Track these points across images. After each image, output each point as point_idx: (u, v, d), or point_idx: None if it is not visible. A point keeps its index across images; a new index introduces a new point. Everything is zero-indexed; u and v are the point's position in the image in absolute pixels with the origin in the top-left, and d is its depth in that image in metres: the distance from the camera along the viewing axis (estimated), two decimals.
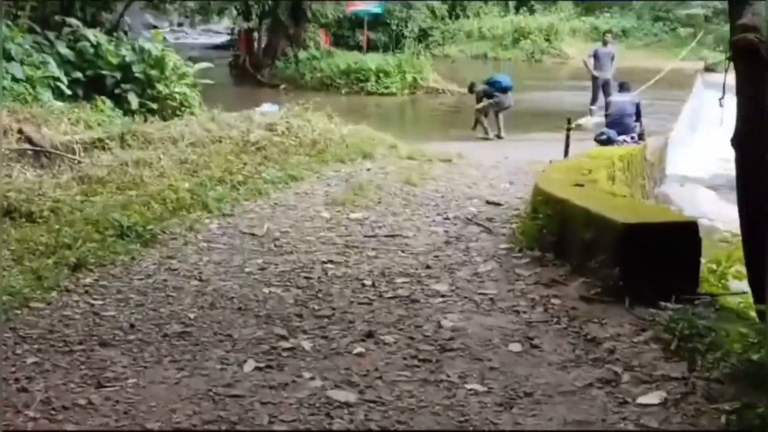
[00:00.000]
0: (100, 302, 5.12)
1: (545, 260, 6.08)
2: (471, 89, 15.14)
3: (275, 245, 6.69)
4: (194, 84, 15.00)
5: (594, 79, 17.48)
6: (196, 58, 29.15)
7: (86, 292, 5.32)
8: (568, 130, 10.29)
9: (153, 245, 6.53)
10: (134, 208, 7.33)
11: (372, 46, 23.78)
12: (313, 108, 12.55)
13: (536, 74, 25.52)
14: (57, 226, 6.58)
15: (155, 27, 37.55)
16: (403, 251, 6.61)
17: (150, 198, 7.79)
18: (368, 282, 5.70)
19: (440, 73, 22.01)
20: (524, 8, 32.65)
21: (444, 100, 19.96)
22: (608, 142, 10.47)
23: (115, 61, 13.88)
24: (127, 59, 14.06)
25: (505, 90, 14.63)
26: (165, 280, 5.63)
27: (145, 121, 12.08)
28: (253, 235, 7.02)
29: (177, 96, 14.26)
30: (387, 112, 18.76)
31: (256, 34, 24.23)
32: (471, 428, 3.60)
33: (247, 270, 5.95)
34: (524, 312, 5.06)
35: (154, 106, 13.84)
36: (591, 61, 17.61)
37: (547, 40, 28.77)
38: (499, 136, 14.45)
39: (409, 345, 4.51)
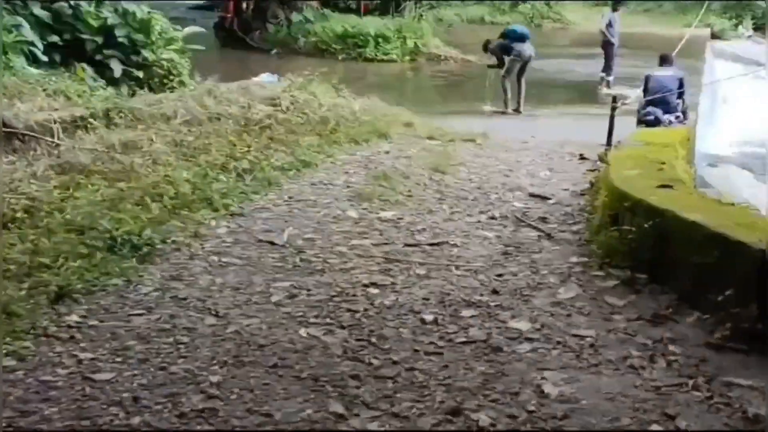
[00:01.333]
0: (91, 355, 3.87)
1: (637, 284, 4.89)
2: (486, 47, 13.80)
3: (301, 259, 5.44)
4: (183, 50, 13.55)
5: (609, 46, 16.23)
6: (178, 18, 27.70)
7: (72, 337, 4.05)
8: (614, 110, 9.05)
9: (152, 260, 5.27)
10: (126, 208, 6.05)
11: (369, 9, 22.35)
12: (319, 79, 11.23)
13: (538, 40, 24.12)
14: (32, 236, 5.30)
15: None
16: (456, 266, 5.39)
17: (144, 193, 6.51)
18: (428, 317, 4.48)
19: (438, 38, 20.67)
20: None
21: (447, 67, 18.62)
22: (656, 122, 9.27)
23: (96, 24, 12.38)
24: (110, 22, 12.57)
25: (522, 38, 13.36)
26: (172, 317, 4.37)
27: (132, 93, 10.74)
28: (271, 243, 5.76)
29: (165, 63, 12.79)
30: (390, 81, 17.38)
31: None
32: None
33: (273, 299, 4.70)
34: (643, 368, 3.87)
35: (140, 74, 12.37)
36: (607, 28, 16.35)
37: (547, 4, 27.36)
38: (517, 110, 13.18)
39: (512, 429, 3.32)
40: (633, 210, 5.18)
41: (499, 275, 5.21)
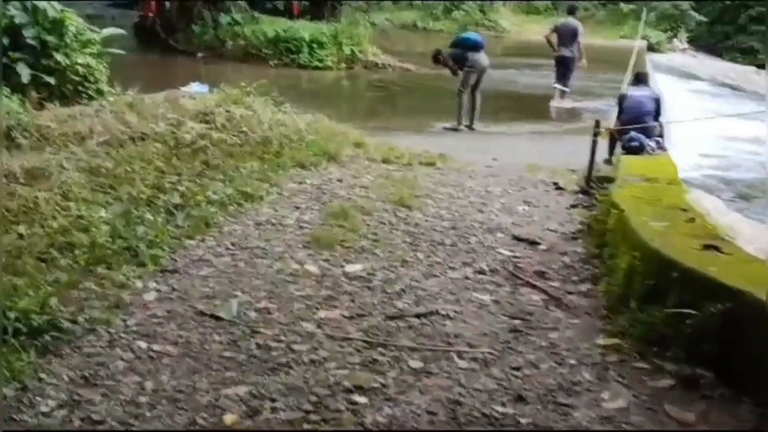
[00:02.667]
0: None
1: (703, 386, 3.74)
2: (437, 58, 12.51)
3: (257, 345, 4.10)
4: (100, 53, 11.93)
5: (558, 57, 15.19)
6: (93, 17, 25.66)
7: None
8: (596, 135, 7.95)
9: (58, 350, 3.86)
10: (25, 267, 4.62)
11: (301, 11, 20.89)
12: (256, 90, 9.84)
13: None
14: None
15: None
16: (459, 354, 4.14)
17: (50, 242, 5.10)
18: None
19: (374, 44, 19.40)
20: None
21: (386, 76, 17.31)
22: (640, 149, 8.19)
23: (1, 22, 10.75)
24: (17, 21, 10.90)
25: (477, 47, 12.16)
26: None
27: (41, 103, 9.20)
28: (216, 318, 4.40)
29: (80, 68, 11.16)
30: (327, 91, 16.01)
31: None
32: None
33: (227, 420, 3.37)
34: None
35: (51, 80, 10.71)
36: (554, 37, 15.30)
37: (482, 11, 26.38)
38: (470, 127, 12.01)
39: None
40: (684, 283, 4.02)
41: (517, 368, 3.98)
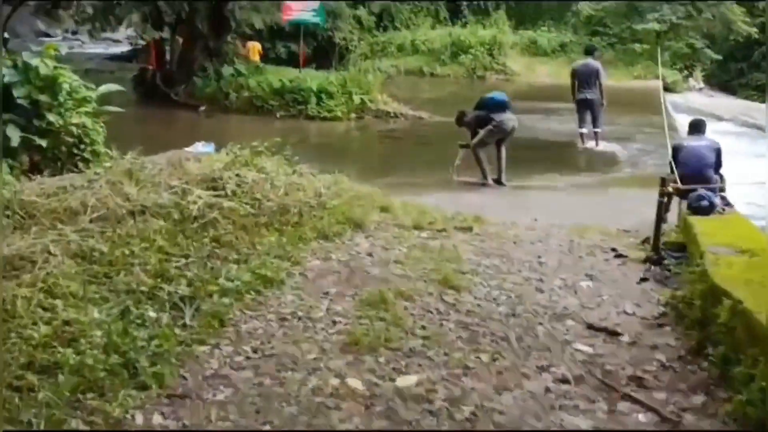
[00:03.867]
0: None
1: None
2: (460, 121, 11.56)
3: None
4: (97, 112, 10.93)
5: (580, 100, 14.27)
6: (93, 70, 24.77)
7: None
8: (665, 196, 6.90)
9: None
10: None
11: (308, 60, 20.03)
12: (268, 150, 8.83)
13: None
14: None
15: (47, 35, 32.79)
16: None
17: (28, 359, 4.03)
18: None
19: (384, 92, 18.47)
20: (457, 20, 29.52)
21: (398, 125, 16.34)
22: (710, 209, 7.14)
23: None
24: (7, 79, 9.95)
25: (503, 107, 11.16)
26: None
27: (32, 169, 8.27)
28: None
29: (74, 129, 10.18)
30: (339, 144, 15.01)
31: (167, 45, 20.05)
32: None
33: None
34: None
35: (44, 142, 9.74)
36: (574, 80, 14.40)
37: (490, 54, 25.53)
38: (499, 182, 10.98)
39: None
40: None
41: None
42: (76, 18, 18.34)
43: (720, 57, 25.11)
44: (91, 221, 6.49)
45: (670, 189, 7.19)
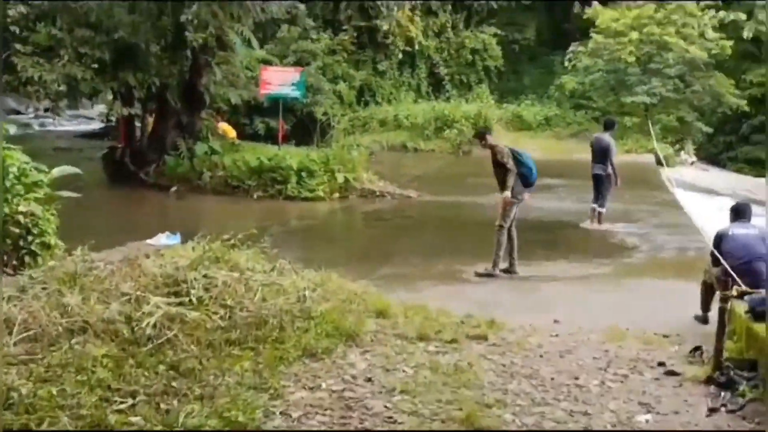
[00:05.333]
0: None
1: None
2: (482, 136, 10.27)
3: None
4: (50, 198, 9.57)
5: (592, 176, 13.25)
6: (61, 149, 23.46)
7: None
8: (727, 301, 5.60)
9: None
10: None
11: (288, 137, 18.81)
12: (243, 242, 7.52)
13: (474, 169, 21.17)
14: None
15: (18, 112, 31.55)
16: None
17: None
18: None
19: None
20: (439, 95, 28.65)
21: (385, 206, 15.02)
22: None
23: None
24: None
25: (530, 173, 9.86)
26: None
27: None
28: None
29: (21, 218, 8.82)
30: (323, 228, 13.63)
31: (138, 122, 18.78)
32: None
33: None
34: None
35: None
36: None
37: (474, 127, 24.54)
38: (510, 270, 9.66)
39: None
40: None
41: None
42: (39, 95, 17.01)
43: (711, 130, 24.27)
44: (15, 344, 5.10)
45: (734, 293, 5.89)
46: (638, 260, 10.60)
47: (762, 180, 23.04)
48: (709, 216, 15.62)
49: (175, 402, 4.58)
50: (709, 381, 5.48)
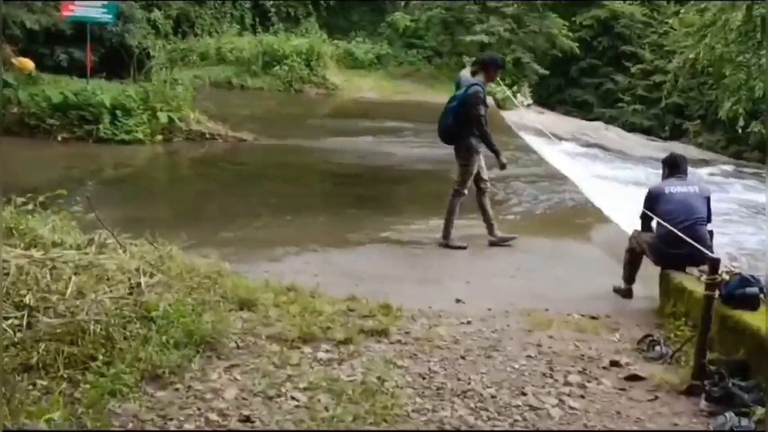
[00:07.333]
0: None
1: None
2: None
3: None
4: None
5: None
6: None
7: None
8: (715, 286, 4.26)
9: None
10: None
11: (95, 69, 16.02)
12: (47, 203, 5.51)
13: (310, 110, 19.31)
14: None
15: None
16: None
17: None
18: None
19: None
20: (264, 28, 26.27)
21: (217, 150, 12.89)
22: (757, 300, 4.63)
23: None
24: None
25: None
26: None
27: None
28: None
29: None
30: (144, 179, 11.17)
31: None
32: None
33: None
34: None
35: None
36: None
37: (308, 66, 22.55)
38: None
39: None
40: None
41: None
42: None
43: (547, 72, 23.71)
44: None
45: (726, 276, 4.59)
46: (516, 216, 9.34)
47: (596, 124, 22.92)
48: (560, 161, 14.85)
49: None
50: (690, 391, 4.19)
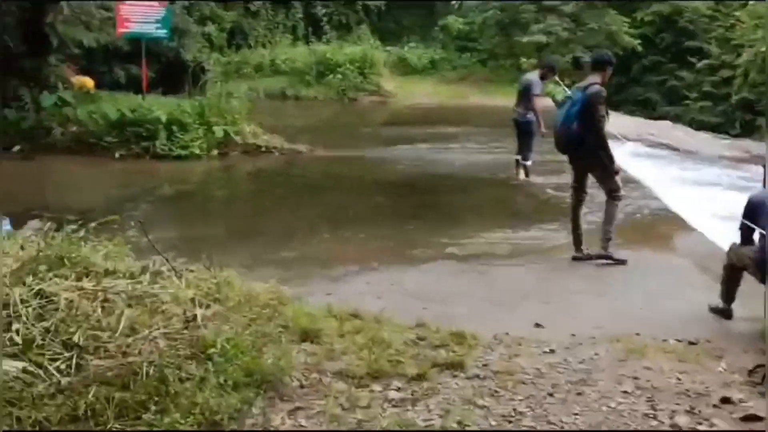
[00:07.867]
0: None
1: None
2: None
3: None
4: None
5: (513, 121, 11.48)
6: None
7: None
8: None
9: None
10: None
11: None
12: (100, 231, 5.22)
13: (364, 119, 18.95)
14: None
15: None
16: None
17: None
18: None
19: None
20: (317, 38, 26.01)
21: (274, 164, 12.58)
22: None
23: None
24: None
25: None
26: None
27: None
28: None
29: None
30: (200, 195, 10.82)
31: None
32: None
33: None
34: None
35: None
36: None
37: (361, 74, 22.24)
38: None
39: None
40: None
41: None
42: None
43: None
44: None
45: None
46: (590, 225, 8.76)
47: (661, 123, 22.07)
48: (629, 163, 14.19)
49: None
50: None
